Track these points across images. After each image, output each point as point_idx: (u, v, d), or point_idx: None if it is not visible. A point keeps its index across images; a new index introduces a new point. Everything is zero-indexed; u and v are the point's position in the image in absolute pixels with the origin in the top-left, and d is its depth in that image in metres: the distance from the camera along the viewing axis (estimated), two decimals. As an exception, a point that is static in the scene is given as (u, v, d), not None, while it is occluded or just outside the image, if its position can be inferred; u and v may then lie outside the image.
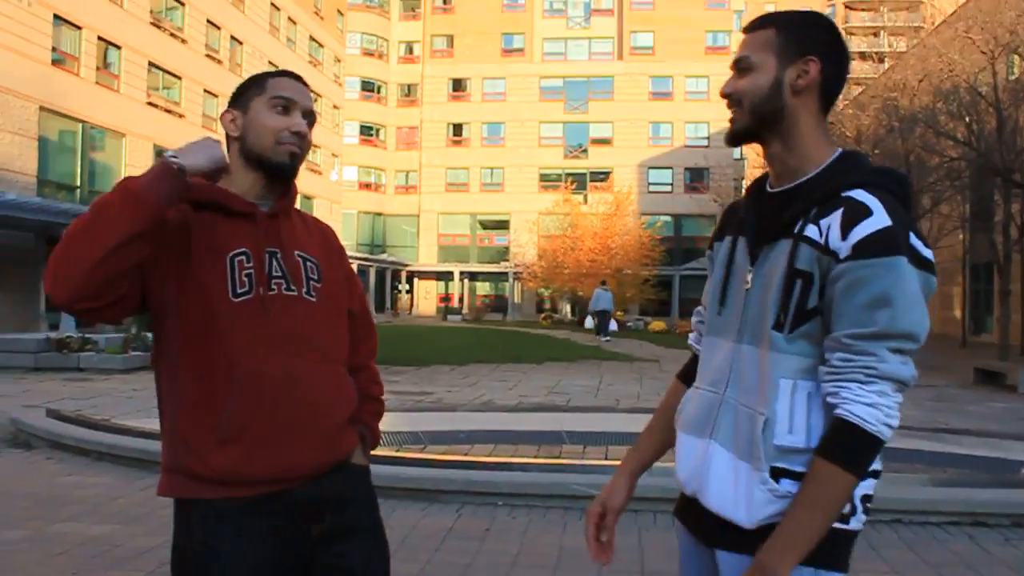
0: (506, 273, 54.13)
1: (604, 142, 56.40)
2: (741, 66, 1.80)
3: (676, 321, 42.51)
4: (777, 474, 1.66)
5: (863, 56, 62.19)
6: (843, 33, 1.86)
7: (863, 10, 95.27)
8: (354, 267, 2.11)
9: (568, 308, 50.71)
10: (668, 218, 54.28)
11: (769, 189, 1.85)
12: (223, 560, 1.90)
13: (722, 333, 1.85)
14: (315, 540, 2.00)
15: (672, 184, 55.64)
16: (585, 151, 56.62)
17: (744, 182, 53.56)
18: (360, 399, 2.18)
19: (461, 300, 54.97)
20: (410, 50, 59.33)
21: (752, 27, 1.82)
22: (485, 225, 57.18)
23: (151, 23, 31.19)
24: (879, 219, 1.62)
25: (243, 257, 1.99)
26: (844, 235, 1.62)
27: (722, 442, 1.76)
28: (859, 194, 1.67)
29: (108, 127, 28.56)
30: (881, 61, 46.19)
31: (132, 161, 29.75)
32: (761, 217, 1.81)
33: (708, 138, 54.98)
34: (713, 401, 1.82)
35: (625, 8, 57.47)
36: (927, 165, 23.34)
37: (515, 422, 9.90)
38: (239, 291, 1.96)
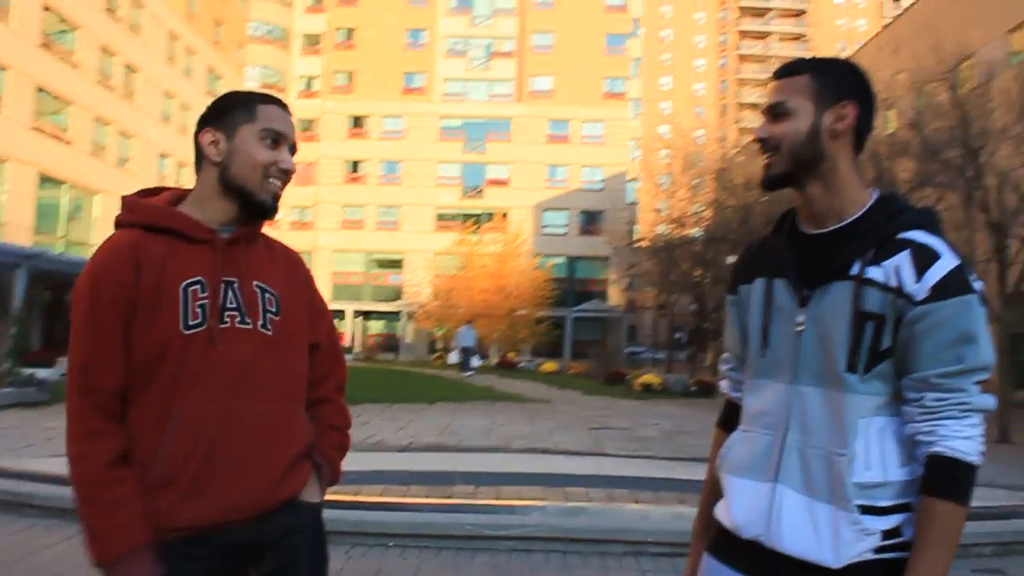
0: (399, 312, 53.79)
1: (501, 183, 56.85)
2: (777, 111, 1.83)
3: (568, 362, 42.82)
4: (861, 511, 1.68)
5: (754, 107, 64.48)
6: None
7: (754, 62, 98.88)
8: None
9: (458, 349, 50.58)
10: (562, 259, 54.87)
11: (805, 231, 1.88)
12: None
13: (771, 375, 1.86)
14: None
15: (567, 226, 56.36)
16: (481, 192, 56.95)
17: (636, 226, 54.77)
18: (322, 431, 2.10)
19: (353, 338, 54.30)
20: (309, 85, 58.86)
21: (785, 72, 1.86)
22: (380, 263, 56.79)
23: (41, 45, 30.16)
24: (948, 260, 1.69)
25: (197, 287, 1.90)
26: (919, 277, 1.67)
27: (792, 485, 1.77)
28: (920, 236, 1.72)
29: (-13, 151, 27.42)
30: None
31: (13, 187, 28.59)
32: (805, 259, 1.83)
33: (603, 181, 56.00)
34: (771, 444, 1.82)
35: (525, 51, 58.37)
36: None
37: (407, 462, 9.80)
38: (191, 323, 1.87)
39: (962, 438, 1.65)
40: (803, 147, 1.80)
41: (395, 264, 56.23)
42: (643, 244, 45.63)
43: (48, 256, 27.05)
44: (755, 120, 60.18)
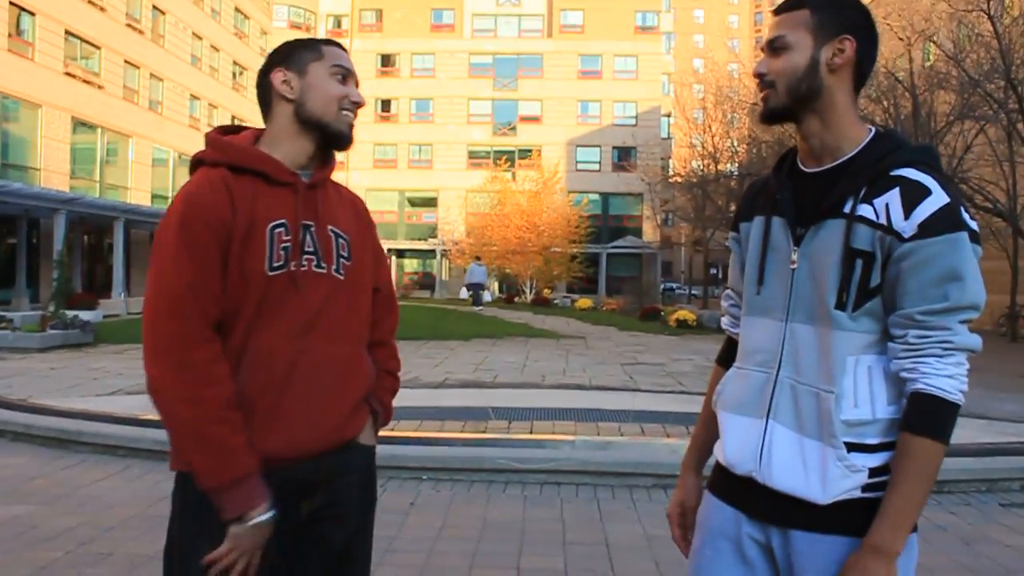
0: (434, 250, 53.97)
1: (533, 120, 56.38)
2: (776, 46, 1.83)
3: (603, 298, 42.85)
4: (848, 448, 1.72)
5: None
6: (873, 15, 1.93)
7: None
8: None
9: (496, 285, 50.77)
10: (596, 196, 54.55)
11: (804, 168, 1.89)
12: (212, 535, 1.86)
13: (765, 312, 1.88)
14: (303, 516, 1.99)
15: (600, 162, 55.92)
16: (514, 128, 56.56)
17: (672, 161, 54.25)
18: (379, 375, 2.17)
19: (389, 277, 54.47)
20: (338, 24, 58.43)
21: (784, 7, 1.86)
22: (413, 202, 56.83)
23: (68, -12, 30.17)
24: (938, 197, 1.69)
25: (282, 229, 1.95)
26: (907, 215, 1.68)
27: (783, 421, 1.80)
28: (911, 173, 1.73)
29: (22, 97, 27.64)
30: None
31: (48, 133, 28.85)
32: (802, 197, 1.85)
33: (636, 117, 55.34)
34: (764, 381, 1.85)
35: (555, -15, 57.44)
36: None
37: (441, 398, 9.94)
38: (275, 264, 1.92)
39: (943, 376, 1.66)
40: (801, 81, 1.80)
41: (429, 202, 56.24)
42: (677, 180, 45.28)
43: (85, 200, 27.41)
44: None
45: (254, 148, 2.01)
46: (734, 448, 1.88)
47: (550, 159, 52.91)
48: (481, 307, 31.99)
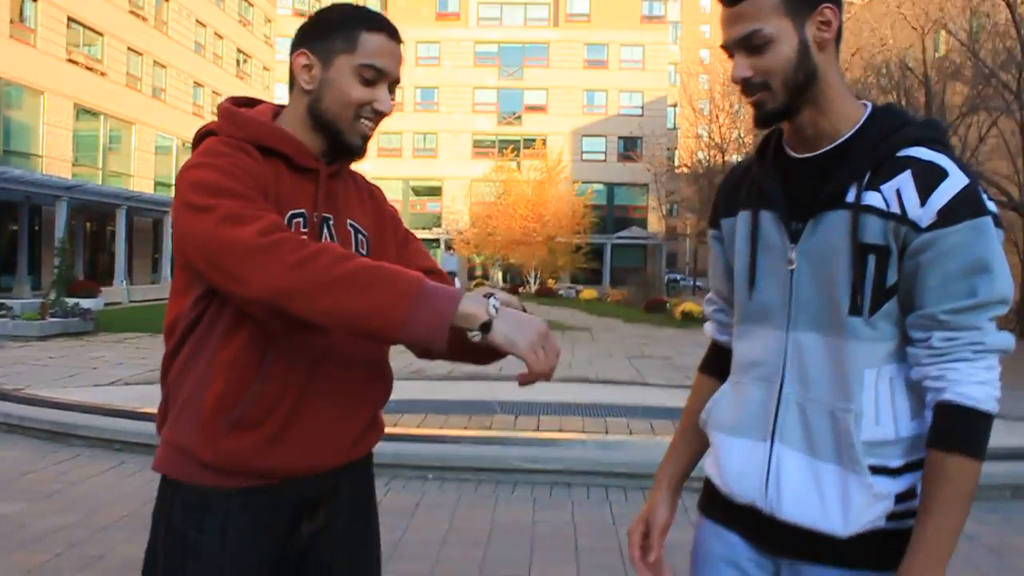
0: (438, 239, 53.82)
1: (538, 109, 56.14)
2: (755, 42, 1.54)
3: (607, 289, 42.70)
4: (871, 472, 1.49)
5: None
6: None
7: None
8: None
9: (499, 275, 50.64)
10: (601, 186, 54.35)
11: (793, 154, 1.64)
12: (201, 560, 1.66)
13: (761, 320, 1.64)
14: (304, 537, 1.77)
15: (605, 152, 55.69)
16: (519, 118, 56.33)
17: (677, 152, 54.05)
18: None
19: (393, 266, 54.42)
20: (342, 11, 58.19)
21: None
22: (417, 191, 56.66)
23: (70, -26, 29.93)
24: (957, 179, 1.46)
25: (300, 219, 1.71)
26: (923, 200, 1.45)
27: (791, 444, 1.57)
28: (922, 152, 1.50)
29: (25, 84, 27.44)
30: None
31: (50, 120, 28.67)
32: (795, 187, 1.60)
33: (642, 107, 55.07)
34: (765, 397, 1.62)
35: (561, -26, 57.16)
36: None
37: (446, 391, 9.79)
38: None
39: (975, 383, 1.43)
40: (797, 73, 1.54)
41: (433, 191, 56.08)
42: (683, 170, 45.09)
43: (87, 187, 27.28)
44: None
45: (275, 125, 1.75)
46: (733, 474, 1.65)
47: (555, 149, 52.69)
48: None
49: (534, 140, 54.74)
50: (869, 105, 1.61)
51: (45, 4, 28.36)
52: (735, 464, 1.65)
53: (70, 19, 29.90)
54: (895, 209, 1.47)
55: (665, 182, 48.16)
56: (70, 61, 29.86)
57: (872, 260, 1.49)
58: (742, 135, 38.38)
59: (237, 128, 1.73)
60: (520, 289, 42.15)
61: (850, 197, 1.50)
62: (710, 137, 41.59)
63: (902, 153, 1.50)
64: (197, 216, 1.57)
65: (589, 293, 38.86)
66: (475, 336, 1.51)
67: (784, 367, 1.59)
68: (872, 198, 1.49)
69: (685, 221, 57.48)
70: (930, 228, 1.44)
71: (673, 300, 30.05)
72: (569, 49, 56.06)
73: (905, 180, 1.47)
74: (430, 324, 1.48)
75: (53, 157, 28.72)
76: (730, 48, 1.59)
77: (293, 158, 1.73)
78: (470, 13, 57.61)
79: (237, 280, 1.53)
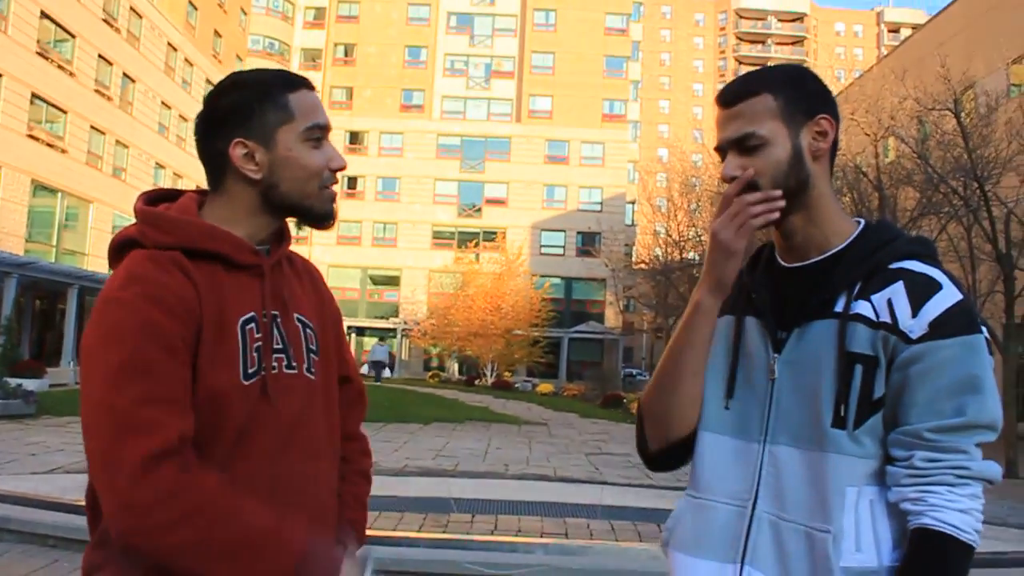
0: (395, 329, 53.50)
1: (498, 202, 56.68)
2: (748, 144, 1.52)
3: (564, 383, 42.55)
4: None
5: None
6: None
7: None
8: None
9: (456, 367, 50.33)
10: (559, 280, 54.65)
11: (783, 263, 1.59)
12: None
13: (735, 432, 1.55)
14: None
15: (564, 247, 56.18)
16: (479, 210, 56.80)
17: (635, 248, 54.69)
18: (347, 480, 1.78)
19: (348, 354, 53.91)
20: (308, 100, 58.86)
21: (739, 96, 1.55)
22: (376, 280, 56.53)
23: (37, 52, 29.92)
24: (950, 293, 1.42)
25: (253, 325, 1.53)
26: (915, 312, 1.40)
27: (762, 568, 1.46)
28: (916, 265, 1.45)
29: (-19, 158, 27.18)
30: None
31: (6, 195, 28.32)
32: (783, 295, 1.54)
33: (601, 203, 55.86)
34: (736, 516, 1.51)
35: (525, 72, 58.38)
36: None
37: (401, 487, 9.51)
38: (250, 371, 1.50)
39: (956, 510, 1.35)
40: (788, 177, 1.51)
41: (391, 281, 55.97)
42: (640, 266, 45.57)
43: (39, 265, 26.85)
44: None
45: (207, 224, 1.56)
46: None
47: (514, 242, 53.06)
48: (380, 382, 35.33)
49: (494, 233, 55.11)
50: (862, 221, 1.57)
51: (9, 79, 28.26)
52: None
53: (34, 95, 29.82)
54: (885, 318, 1.41)
55: (623, 277, 48.55)
56: (30, 137, 29.66)
57: (859, 370, 1.41)
58: (699, 233, 38.95)
59: (164, 234, 1.53)
60: (476, 381, 41.92)
61: (839, 306, 1.45)
62: (667, 234, 42.15)
63: (895, 265, 1.46)
64: (105, 386, 1.39)
65: (546, 387, 38.70)
66: None
67: (759, 483, 1.49)
68: (862, 307, 1.43)
69: (642, 316, 57.83)
70: (921, 339, 1.38)
71: (630, 395, 29.94)
72: (530, 144, 56.97)
73: (897, 290, 1.42)
74: None
75: (6, 232, 28.27)
76: (723, 148, 1.55)
77: (231, 257, 1.55)
78: (434, 106, 58.49)
79: (101, 490, 1.39)
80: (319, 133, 1.64)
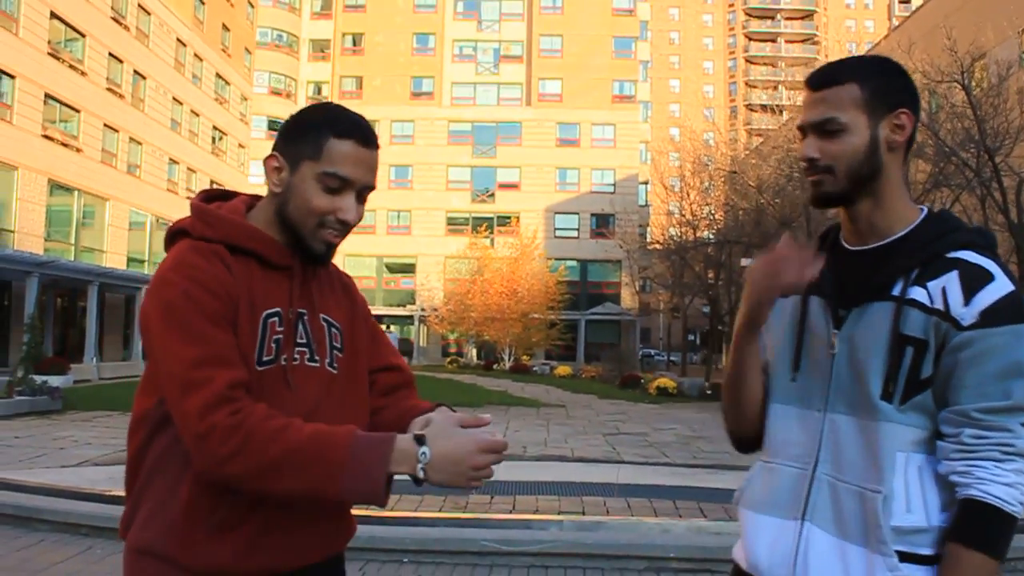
0: (412, 316, 53.71)
1: (511, 187, 56.68)
2: (829, 128, 1.64)
3: (582, 365, 42.65)
4: (900, 558, 1.52)
5: (764, 108, 64.22)
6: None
7: (763, 64, 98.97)
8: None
9: (474, 352, 50.51)
10: (574, 263, 54.67)
11: (848, 246, 1.72)
12: None
13: (800, 402, 1.70)
14: None
15: (578, 229, 56.16)
16: (492, 195, 56.82)
17: (649, 228, 54.58)
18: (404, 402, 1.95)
19: (366, 343, 54.11)
20: (319, 90, 58.90)
21: (826, 82, 1.67)
22: (391, 268, 56.71)
23: (48, 53, 30.12)
24: (1002, 284, 1.53)
25: (276, 319, 1.72)
26: (967, 300, 1.52)
27: (821, 524, 1.61)
28: (971, 256, 1.57)
29: (-1, 160, 27.43)
30: (780, 113, 47.76)
31: (24, 195, 28.58)
32: (845, 277, 1.67)
33: (614, 184, 55.76)
34: (798, 477, 1.66)
35: (534, 55, 58.21)
36: (825, 214, 24.13)
37: (420, 471, 9.64)
38: (264, 358, 1.69)
39: (1001, 483, 1.47)
40: (862, 165, 1.64)
41: (407, 268, 56.14)
42: (655, 247, 45.51)
43: (59, 263, 27.08)
44: (765, 121, 59.59)
45: (248, 225, 1.76)
46: (763, 552, 1.68)
47: (528, 226, 53.10)
48: None
49: (508, 217, 55.18)
50: (925, 209, 1.69)
51: (23, 81, 28.47)
52: (765, 542, 1.68)
53: (47, 95, 30.01)
54: (939, 305, 1.53)
55: (638, 258, 48.50)
56: (45, 137, 29.89)
57: (909, 352, 1.54)
58: (713, 211, 38.84)
59: (209, 228, 1.73)
60: (494, 366, 42.05)
61: (896, 290, 1.57)
62: (681, 214, 42.04)
63: (951, 255, 1.57)
64: (166, 353, 1.62)
65: (564, 369, 38.81)
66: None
67: (819, 448, 1.64)
68: (917, 293, 1.56)
69: (658, 296, 57.76)
70: (972, 327, 1.51)
71: (647, 376, 30.05)
72: (541, 127, 56.89)
73: (952, 279, 1.54)
74: (364, 490, 1.58)
75: (25, 232, 28.56)
76: (805, 129, 1.68)
77: (266, 257, 1.74)
78: (444, 93, 58.45)
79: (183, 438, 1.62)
80: (336, 182, 1.72)
